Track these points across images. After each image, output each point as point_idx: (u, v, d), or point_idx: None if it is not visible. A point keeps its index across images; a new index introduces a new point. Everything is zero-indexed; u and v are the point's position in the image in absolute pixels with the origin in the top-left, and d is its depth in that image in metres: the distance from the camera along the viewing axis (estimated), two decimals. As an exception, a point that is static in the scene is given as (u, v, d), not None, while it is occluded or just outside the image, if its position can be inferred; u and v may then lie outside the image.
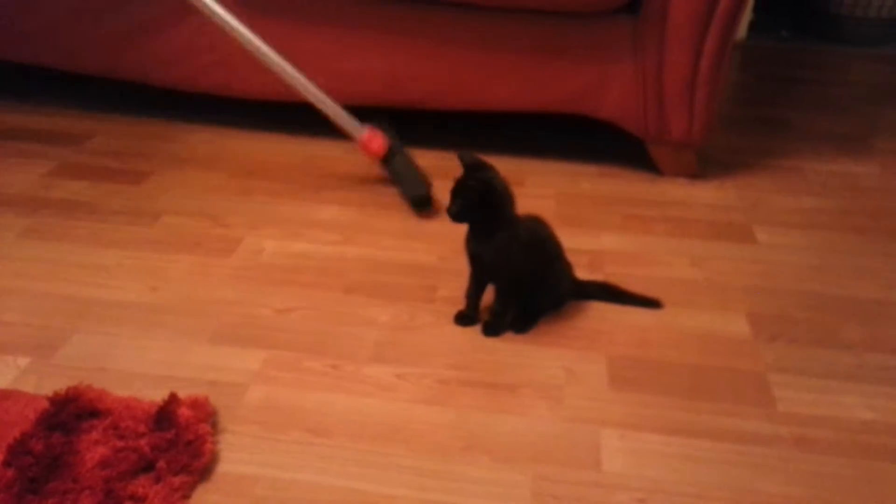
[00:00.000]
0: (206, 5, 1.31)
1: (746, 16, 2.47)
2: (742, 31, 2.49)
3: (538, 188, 1.49)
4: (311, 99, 1.37)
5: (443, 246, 1.29)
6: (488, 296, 1.09)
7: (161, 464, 0.83)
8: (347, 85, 1.55)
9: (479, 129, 1.73)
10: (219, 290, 1.16)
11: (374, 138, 1.39)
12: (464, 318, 1.09)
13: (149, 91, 1.56)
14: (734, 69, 2.25)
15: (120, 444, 0.86)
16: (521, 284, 1.06)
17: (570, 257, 1.13)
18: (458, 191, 0.99)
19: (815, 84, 2.15)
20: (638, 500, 0.83)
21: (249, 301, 1.14)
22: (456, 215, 1.00)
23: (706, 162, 1.59)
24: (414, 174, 1.41)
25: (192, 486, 0.83)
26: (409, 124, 1.71)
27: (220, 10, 1.32)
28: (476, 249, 1.04)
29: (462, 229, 1.04)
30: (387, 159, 1.41)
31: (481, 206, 0.99)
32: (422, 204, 1.37)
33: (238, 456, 0.87)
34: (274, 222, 1.35)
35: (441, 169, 1.55)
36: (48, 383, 0.96)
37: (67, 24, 1.59)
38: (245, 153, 1.61)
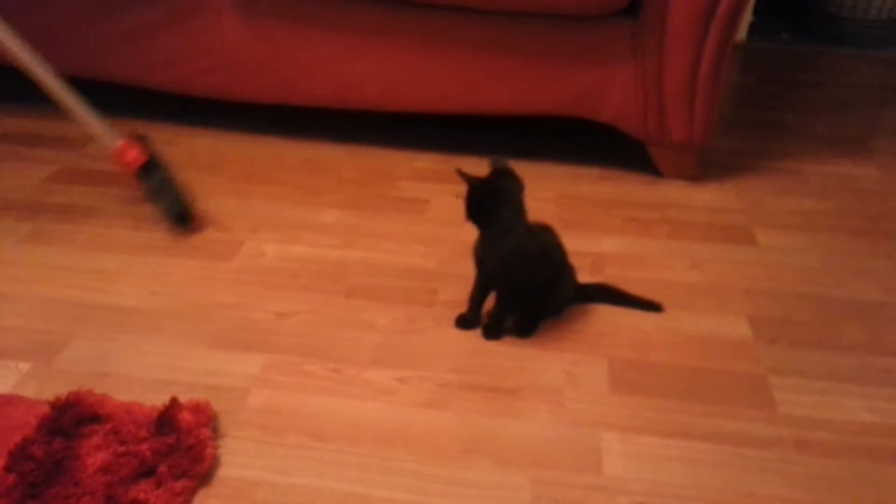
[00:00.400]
0: None
1: (746, 18, 2.47)
2: (742, 32, 2.49)
3: (539, 191, 1.49)
4: (58, 95, 1.29)
5: (443, 250, 1.29)
6: (490, 301, 1.09)
7: (162, 468, 0.84)
8: (349, 88, 1.56)
9: (481, 132, 1.73)
10: (219, 294, 1.16)
11: (129, 149, 1.32)
12: (465, 322, 1.10)
13: (148, 95, 1.56)
14: (734, 71, 2.25)
15: (121, 448, 0.86)
16: (522, 292, 1.06)
17: (571, 260, 1.13)
18: (467, 190, 1.00)
19: (816, 86, 2.15)
20: (638, 503, 0.83)
21: (250, 305, 1.14)
22: (466, 213, 1.01)
23: (706, 164, 1.59)
24: (174, 190, 1.33)
25: (192, 491, 0.83)
26: (410, 127, 1.72)
27: None
28: (480, 253, 1.04)
29: (468, 234, 1.04)
30: (143, 173, 1.33)
31: (482, 207, 0.99)
32: (180, 221, 1.31)
33: (239, 460, 0.87)
34: (274, 226, 1.35)
35: (441, 172, 1.55)
36: (49, 388, 0.96)
37: (65, 28, 1.60)
38: (245, 157, 1.61)
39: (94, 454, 0.86)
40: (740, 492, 0.85)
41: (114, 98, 1.81)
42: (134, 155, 1.31)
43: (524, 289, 1.06)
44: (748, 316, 1.14)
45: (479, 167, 1.04)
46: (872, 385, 1.01)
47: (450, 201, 1.44)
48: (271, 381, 0.99)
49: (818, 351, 1.07)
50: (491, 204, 0.99)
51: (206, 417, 0.91)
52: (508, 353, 1.05)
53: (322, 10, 1.48)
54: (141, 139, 1.35)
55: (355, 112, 1.62)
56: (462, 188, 1.00)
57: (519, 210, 1.02)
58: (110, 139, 1.32)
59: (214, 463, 0.86)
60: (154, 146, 1.36)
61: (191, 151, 1.62)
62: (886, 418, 0.96)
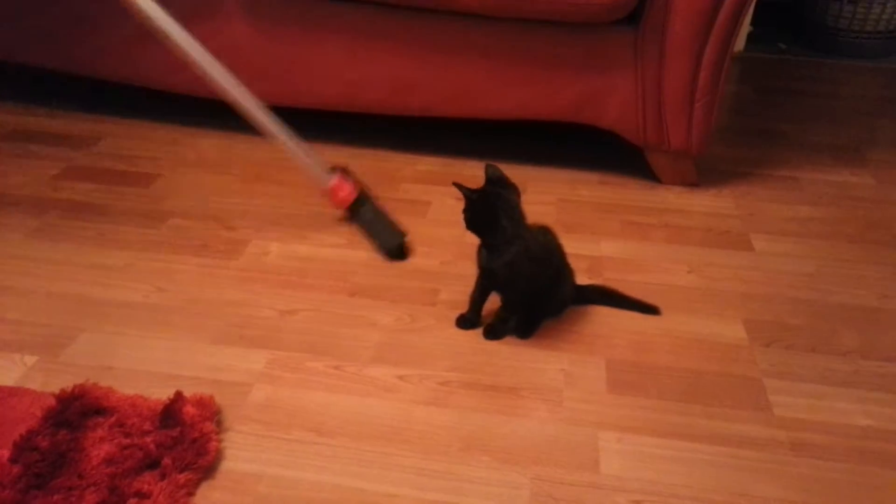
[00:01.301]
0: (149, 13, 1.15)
1: (745, 28, 2.50)
2: (741, 43, 2.52)
3: (540, 195, 1.51)
4: (274, 134, 1.25)
5: (445, 250, 1.30)
6: (489, 302, 1.11)
7: (166, 461, 0.85)
8: (354, 92, 1.58)
9: (483, 137, 1.75)
10: (224, 291, 1.18)
11: (342, 186, 1.27)
12: (465, 322, 1.11)
13: (157, 95, 1.58)
14: (733, 81, 2.27)
15: (125, 441, 0.87)
16: (527, 294, 1.08)
17: (571, 262, 1.15)
18: (466, 204, 1.02)
19: (812, 96, 2.17)
20: (634, 501, 0.85)
21: (254, 302, 1.16)
22: (466, 225, 1.03)
23: (704, 171, 1.61)
24: (386, 223, 1.30)
25: (196, 484, 0.84)
26: (413, 131, 1.74)
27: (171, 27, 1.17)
28: (488, 263, 1.05)
29: (469, 236, 1.05)
30: (354, 208, 1.29)
31: (483, 218, 1.01)
32: (397, 255, 1.28)
33: (242, 454, 0.89)
34: (280, 225, 1.37)
35: (445, 176, 1.57)
36: (55, 381, 0.97)
37: (74, 29, 1.61)
38: (252, 157, 1.63)
39: (99, 446, 0.87)
40: (735, 492, 0.86)
41: (116, 97, 1.83)
42: (347, 191, 1.27)
43: (529, 291, 1.07)
44: (744, 320, 1.16)
45: (478, 171, 1.06)
46: (866, 389, 1.03)
47: (451, 203, 1.46)
48: (275, 377, 1.01)
49: (813, 355, 1.09)
50: (490, 216, 1.01)
51: (210, 411, 0.92)
52: (508, 353, 1.07)
53: (328, 15, 1.50)
54: (346, 172, 1.30)
55: (360, 115, 1.64)
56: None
57: (518, 218, 1.03)
58: (323, 176, 1.27)
59: (218, 456, 0.88)
60: (358, 178, 1.31)
61: (198, 152, 1.64)
62: (880, 422, 0.97)
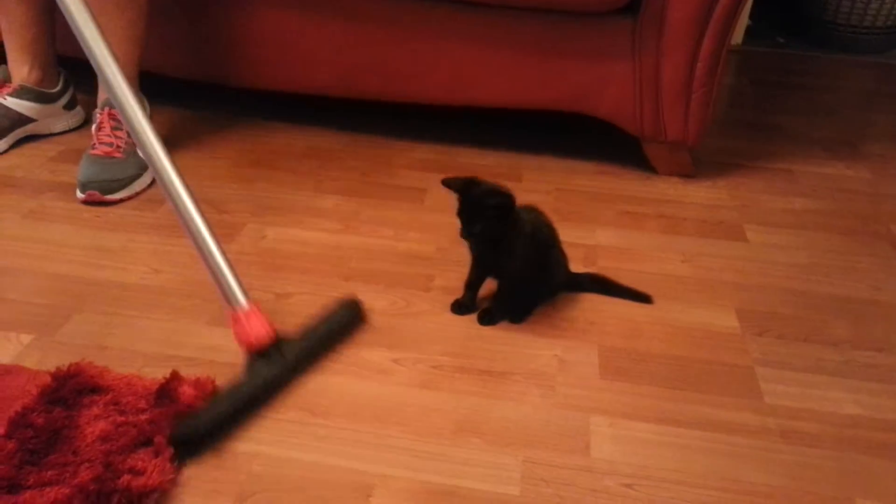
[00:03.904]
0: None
1: (743, 22, 2.50)
2: (739, 36, 2.52)
3: (536, 183, 1.52)
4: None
5: (440, 237, 1.31)
6: (485, 287, 1.11)
7: (160, 439, 0.85)
8: (351, 78, 1.58)
9: (480, 126, 1.75)
10: (219, 274, 1.18)
11: (253, 320, 0.79)
12: (461, 307, 1.12)
13: (155, 81, 1.58)
14: (730, 73, 2.28)
15: (120, 419, 0.88)
16: (523, 278, 1.09)
17: (566, 250, 1.15)
18: (477, 212, 1.01)
19: (809, 89, 2.18)
20: (625, 485, 0.85)
21: (250, 285, 1.13)
22: (479, 236, 1.02)
23: (700, 162, 1.61)
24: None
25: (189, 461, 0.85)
26: (411, 118, 1.74)
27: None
28: (497, 262, 1.07)
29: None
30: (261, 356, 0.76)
31: (501, 226, 1.02)
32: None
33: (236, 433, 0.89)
34: (276, 210, 1.37)
35: (439, 163, 1.57)
36: (50, 360, 0.97)
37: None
38: (249, 143, 1.63)
39: (94, 424, 0.87)
40: (725, 477, 0.87)
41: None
42: (258, 330, 0.78)
43: (525, 274, 1.08)
44: (737, 309, 1.16)
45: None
46: (857, 379, 1.04)
47: (447, 191, 1.46)
48: (269, 358, 1.01)
49: (805, 344, 1.10)
50: (507, 220, 1.02)
51: (207, 392, 0.92)
52: (502, 338, 1.07)
53: (322, 0, 1.50)
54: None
55: (358, 102, 1.64)
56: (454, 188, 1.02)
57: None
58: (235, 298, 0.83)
59: (212, 435, 0.88)
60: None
61: (194, 135, 1.64)
62: (870, 411, 0.98)
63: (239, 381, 0.74)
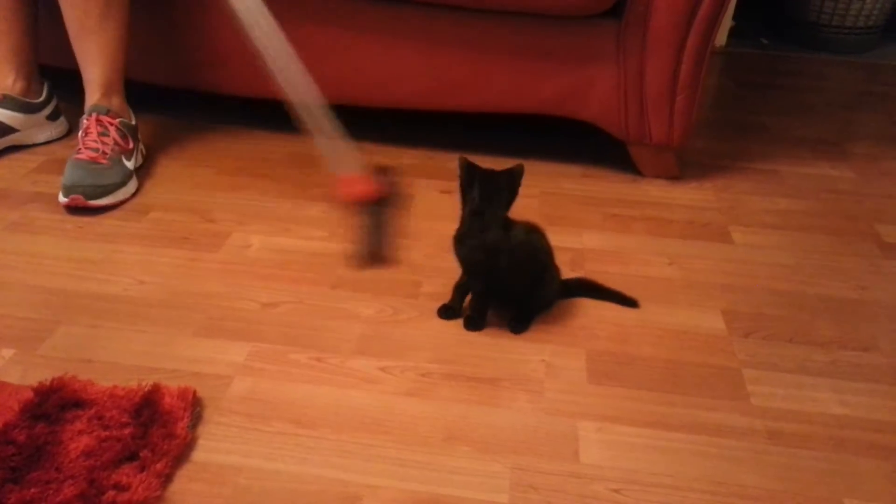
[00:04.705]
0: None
1: (727, 23, 2.52)
2: (722, 37, 2.54)
3: (523, 187, 1.48)
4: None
5: (427, 243, 1.30)
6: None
7: (145, 453, 0.84)
8: (336, 84, 1.57)
9: (465, 130, 1.75)
10: (205, 284, 1.17)
11: (356, 182, 1.22)
12: (447, 311, 1.11)
13: (138, 88, 1.57)
14: (715, 75, 2.29)
15: (104, 433, 0.87)
16: (493, 283, 1.08)
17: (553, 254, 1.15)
18: (490, 180, 1.01)
19: (793, 90, 2.20)
20: (614, 490, 0.85)
21: (236, 295, 1.15)
22: (486, 206, 1.02)
23: (686, 164, 1.62)
24: (384, 235, 1.25)
25: (175, 475, 0.84)
26: (397, 124, 1.74)
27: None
28: (465, 245, 1.05)
29: (452, 229, 1.05)
30: (367, 208, 1.23)
31: (499, 194, 1.02)
32: (371, 259, 1.24)
33: (221, 446, 0.88)
34: (261, 218, 1.36)
35: (425, 169, 1.57)
36: (33, 374, 0.96)
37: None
38: (234, 150, 1.62)
39: (77, 439, 0.86)
40: (713, 480, 0.87)
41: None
42: (360, 189, 1.22)
43: (497, 282, 1.07)
44: (723, 311, 1.17)
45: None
46: (844, 379, 1.04)
47: (435, 196, 1.46)
48: (256, 369, 1.00)
49: (791, 345, 1.10)
50: (507, 194, 1.02)
51: (190, 403, 0.92)
52: (489, 344, 1.07)
53: (308, 5, 1.49)
54: (384, 173, 1.26)
55: (343, 108, 1.63)
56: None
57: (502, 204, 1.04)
58: (345, 167, 1.23)
59: (197, 449, 0.87)
60: (395, 187, 1.26)
61: (179, 144, 1.63)
62: (857, 411, 0.98)
63: (367, 218, 1.22)
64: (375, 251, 1.24)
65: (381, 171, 1.26)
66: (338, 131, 1.24)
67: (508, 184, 1.02)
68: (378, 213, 1.23)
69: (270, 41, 1.21)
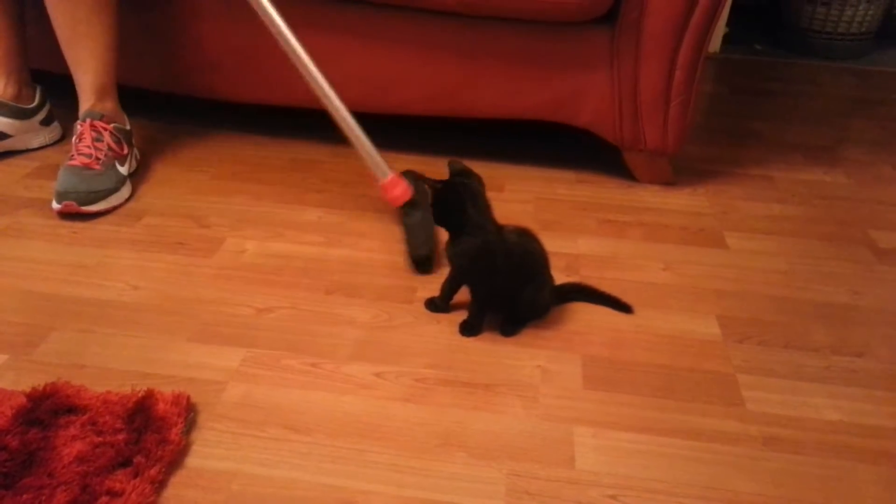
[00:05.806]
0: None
1: (721, 29, 2.53)
2: (716, 43, 2.55)
3: (517, 193, 1.52)
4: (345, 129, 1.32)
5: (422, 248, 1.30)
6: (463, 294, 1.11)
7: (139, 458, 0.84)
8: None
9: (460, 136, 1.75)
10: (200, 289, 1.17)
11: (396, 184, 1.31)
12: (434, 305, 1.13)
13: (133, 93, 1.56)
14: (708, 81, 2.30)
15: (98, 439, 0.86)
16: (490, 290, 1.08)
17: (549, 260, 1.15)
18: (432, 195, 1.04)
19: (787, 96, 2.21)
20: (609, 496, 0.85)
21: (230, 300, 1.15)
22: (435, 219, 1.06)
23: (680, 170, 1.62)
24: (424, 233, 1.27)
25: (168, 481, 0.83)
26: (392, 129, 1.73)
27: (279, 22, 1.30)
28: (449, 252, 1.07)
29: (446, 235, 1.06)
30: (405, 209, 1.32)
31: (449, 210, 1.03)
32: (420, 265, 1.25)
33: (215, 451, 0.88)
34: (256, 223, 1.36)
35: (423, 174, 1.57)
36: (26, 379, 0.96)
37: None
38: (228, 155, 1.62)
39: (71, 445, 0.86)
40: (708, 486, 0.87)
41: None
42: (401, 190, 1.30)
43: (493, 287, 1.07)
44: (718, 316, 1.17)
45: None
46: (838, 384, 1.04)
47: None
48: (250, 374, 1.00)
49: (785, 351, 1.10)
50: (456, 205, 1.02)
51: (184, 409, 0.91)
52: (485, 350, 1.07)
53: (304, 11, 1.49)
54: (412, 175, 1.36)
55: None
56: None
57: (483, 207, 1.04)
58: (382, 172, 1.31)
59: (191, 454, 0.87)
60: (424, 184, 1.30)
61: (174, 149, 1.63)
62: (851, 416, 0.99)
63: (408, 219, 1.30)
64: (416, 251, 1.24)
65: (409, 175, 1.35)
66: (369, 138, 1.32)
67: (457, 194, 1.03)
68: (414, 214, 1.30)
69: (304, 52, 1.30)
